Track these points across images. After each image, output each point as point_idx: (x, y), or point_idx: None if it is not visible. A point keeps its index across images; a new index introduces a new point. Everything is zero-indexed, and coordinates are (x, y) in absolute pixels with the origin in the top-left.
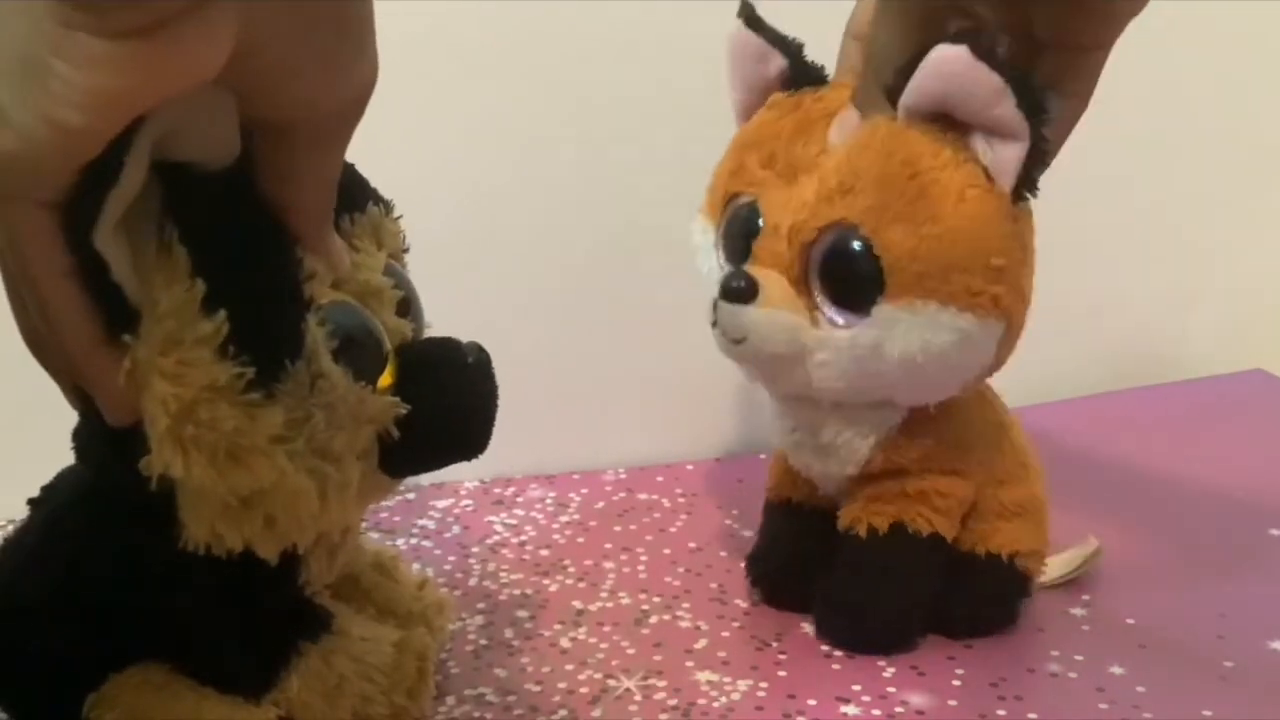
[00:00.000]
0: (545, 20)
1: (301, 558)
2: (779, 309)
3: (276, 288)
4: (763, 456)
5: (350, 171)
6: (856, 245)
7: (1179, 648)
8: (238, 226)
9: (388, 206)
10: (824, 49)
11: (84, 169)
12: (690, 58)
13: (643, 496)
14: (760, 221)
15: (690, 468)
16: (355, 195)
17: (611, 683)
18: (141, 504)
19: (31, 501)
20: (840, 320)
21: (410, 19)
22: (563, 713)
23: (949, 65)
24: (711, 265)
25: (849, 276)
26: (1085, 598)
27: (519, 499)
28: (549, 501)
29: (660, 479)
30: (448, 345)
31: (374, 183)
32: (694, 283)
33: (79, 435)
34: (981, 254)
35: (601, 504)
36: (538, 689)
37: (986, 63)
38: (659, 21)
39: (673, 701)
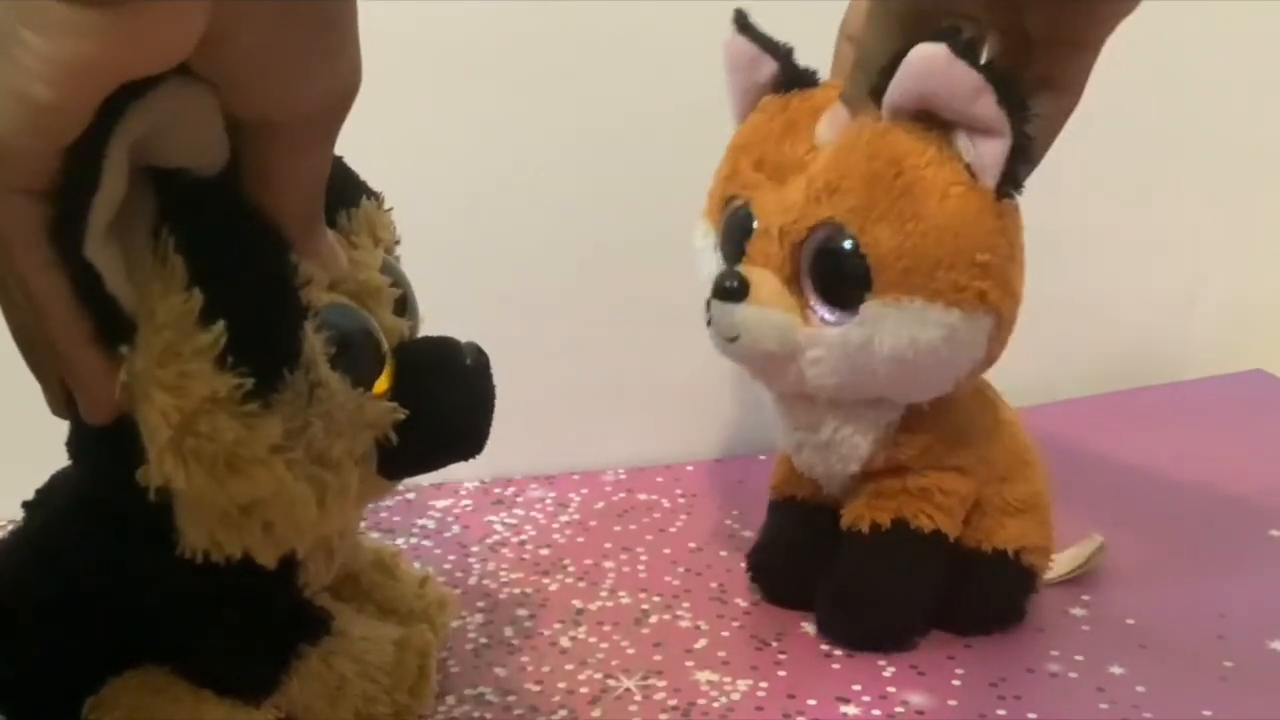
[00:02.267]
0: (551, 20)
1: (300, 561)
2: (770, 307)
3: (274, 296)
4: (762, 457)
5: (340, 166)
6: (844, 244)
7: (1179, 648)
8: (234, 233)
9: (379, 199)
10: (823, 50)
11: (64, 162)
12: (693, 59)
13: (643, 497)
14: (754, 223)
15: (690, 468)
16: (348, 190)
17: (611, 682)
18: (137, 510)
19: (27, 504)
20: (831, 318)
21: (413, 18)
22: (563, 712)
23: (928, 64)
24: (712, 268)
25: (838, 274)
26: (1085, 598)
27: (519, 499)
28: (549, 501)
29: (660, 479)
30: (446, 347)
31: (375, 182)
32: (694, 284)
33: (73, 442)
34: (966, 250)
35: (601, 504)
36: (538, 689)
37: (965, 60)
38: (664, 22)
39: (672, 701)
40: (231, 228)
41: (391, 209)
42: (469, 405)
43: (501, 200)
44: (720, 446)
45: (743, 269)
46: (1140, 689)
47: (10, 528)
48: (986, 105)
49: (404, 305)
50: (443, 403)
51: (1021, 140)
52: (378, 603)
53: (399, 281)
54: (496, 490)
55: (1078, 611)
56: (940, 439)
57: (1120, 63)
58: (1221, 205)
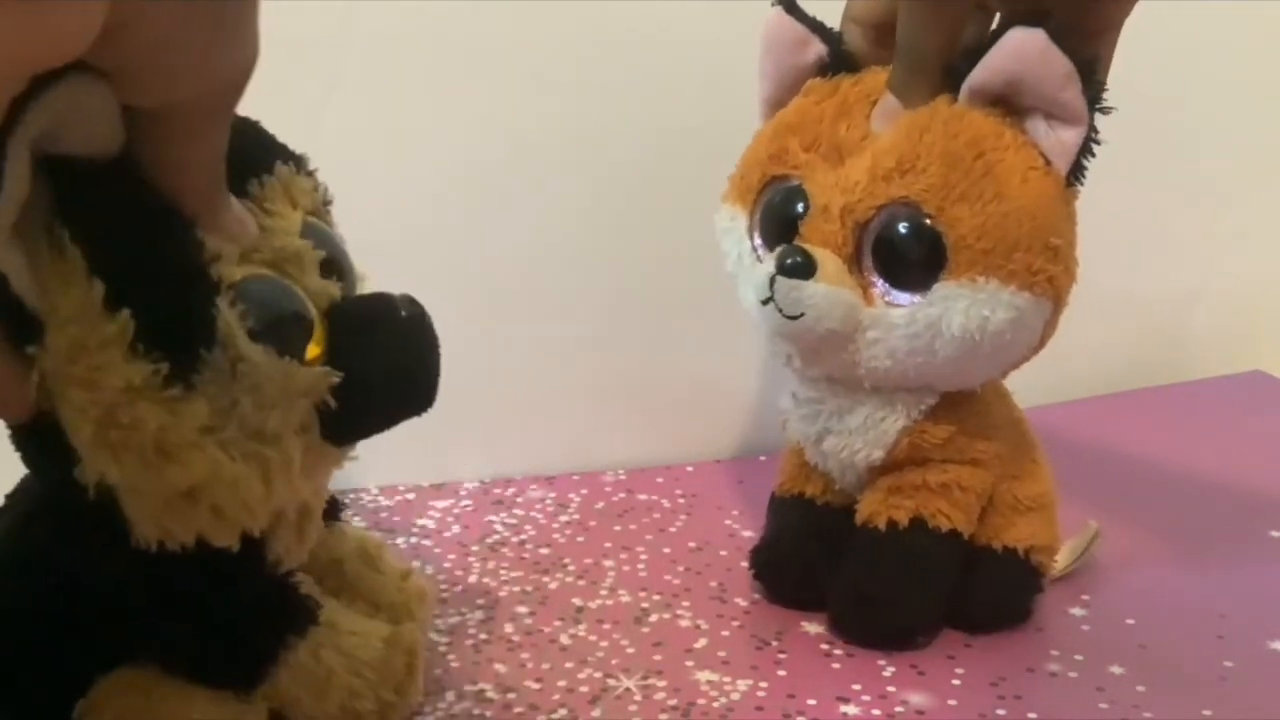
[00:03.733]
0: (547, 18)
1: (264, 538)
2: (837, 285)
3: (180, 277)
4: (762, 458)
5: (252, 132)
6: (918, 223)
7: (1179, 648)
8: (132, 217)
9: (299, 162)
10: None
11: None
12: (697, 57)
13: (642, 497)
14: (805, 203)
15: (690, 469)
16: (259, 156)
17: (611, 681)
18: (91, 508)
19: None
20: (897, 298)
21: (412, 17)
22: (562, 711)
23: (1027, 47)
24: (742, 250)
25: (910, 254)
26: (1085, 597)
27: (519, 499)
28: (549, 502)
29: (660, 480)
30: (379, 302)
31: (374, 180)
32: (694, 285)
33: (15, 445)
34: (1042, 233)
35: (601, 504)
36: (537, 686)
37: (1059, 47)
38: (670, 19)
39: (672, 700)
40: (129, 211)
41: (315, 170)
42: (407, 358)
43: (500, 199)
44: (720, 447)
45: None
46: (1140, 689)
47: None
48: (1073, 93)
49: (333, 267)
50: (379, 360)
51: (1092, 132)
52: (361, 595)
53: (324, 244)
54: (496, 490)
55: (1078, 611)
56: (963, 431)
57: (1120, 61)
58: (1222, 205)
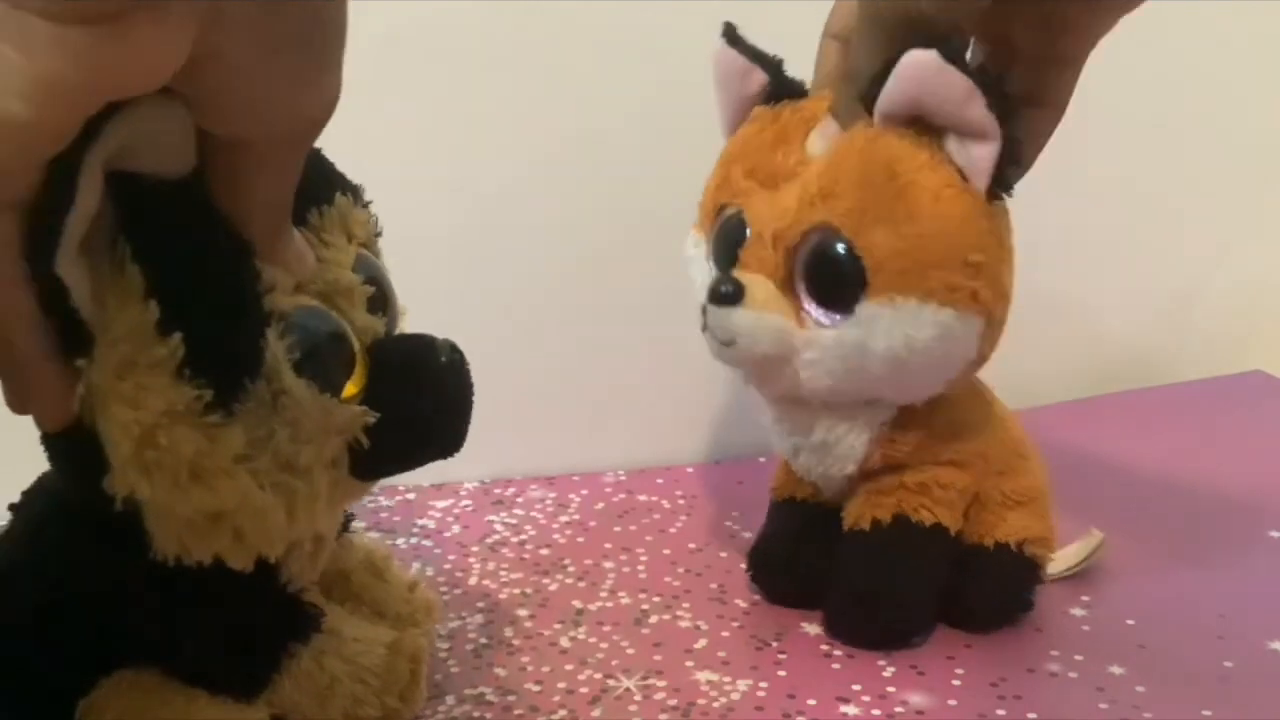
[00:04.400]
0: (548, 22)
1: (278, 561)
2: (765, 311)
3: (234, 306)
4: (762, 459)
5: (316, 162)
6: (839, 247)
7: (1179, 648)
8: (193, 240)
9: (356, 194)
10: (811, 52)
11: (42, 180)
12: (691, 63)
13: (642, 498)
14: (747, 230)
15: (690, 470)
16: (321, 187)
17: (611, 682)
18: (112, 515)
19: (12, 507)
20: (825, 320)
21: (408, 17)
22: (562, 712)
23: (920, 69)
24: (704, 276)
25: (833, 277)
26: (1085, 598)
27: (519, 499)
28: (549, 502)
29: (660, 481)
30: (420, 345)
31: (373, 184)
32: (693, 287)
33: (45, 446)
34: (959, 250)
35: (601, 505)
36: (537, 688)
37: (956, 65)
38: (662, 26)
39: (672, 701)
40: (192, 235)
41: (370, 203)
42: (442, 405)
43: (500, 202)
44: (720, 448)
45: (737, 274)
46: (1140, 689)
47: None
48: (976, 109)
49: (380, 302)
50: (415, 403)
51: (1011, 143)
52: (367, 604)
53: (374, 278)
54: (497, 491)
55: (1077, 611)
56: (934, 435)
57: (1119, 62)
58: (1221, 205)
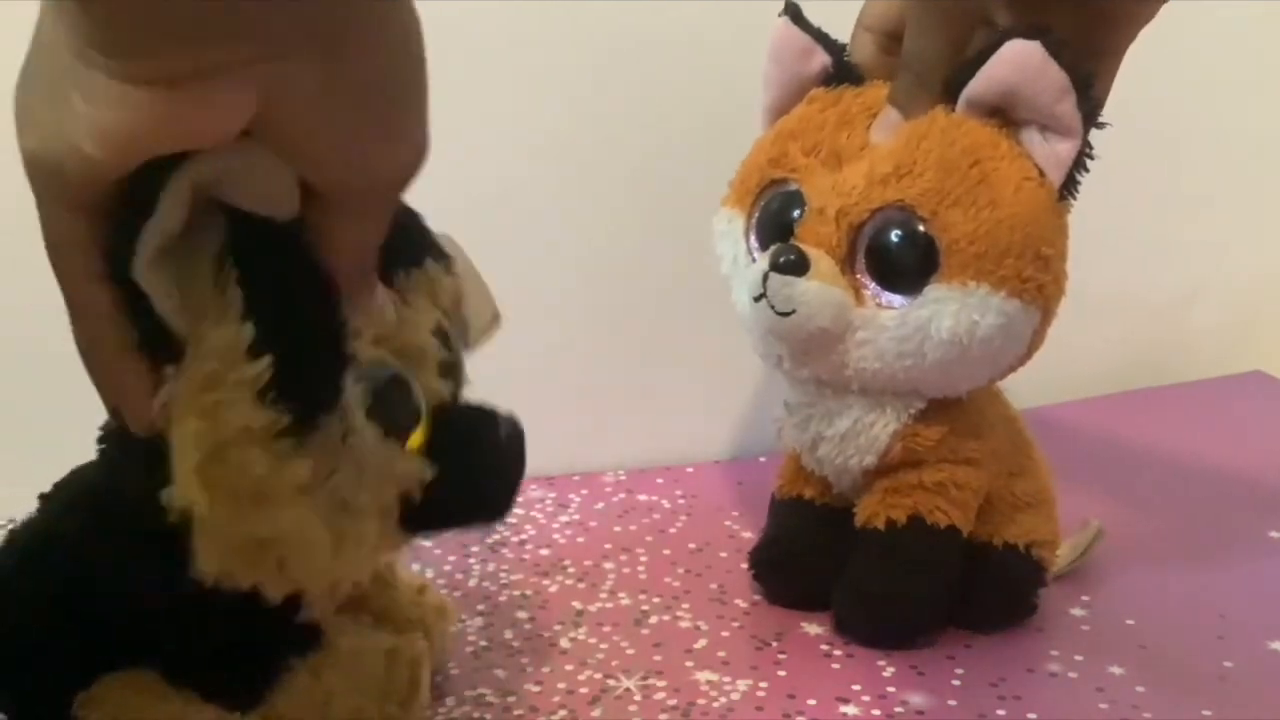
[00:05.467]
0: (553, 21)
1: (305, 600)
2: (829, 284)
3: (321, 340)
4: (762, 459)
5: (413, 223)
6: (912, 226)
7: (1179, 648)
8: (293, 277)
9: (448, 263)
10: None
11: (119, 192)
12: (696, 62)
13: (642, 498)
14: (802, 206)
15: (690, 470)
16: (412, 249)
17: (611, 683)
18: (151, 519)
19: (42, 496)
20: (888, 300)
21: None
22: (562, 713)
23: (1024, 59)
24: (738, 251)
25: (902, 257)
26: (1085, 598)
27: (519, 499)
28: (549, 502)
29: (660, 481)
30: (484, 416)
31: None
32: (695, 286)
33: (107, 440)
34: (1034, 242)
35: (601, 505)
36: (537, 689)
37: (1057, 60)
38: (669, 24)
39: (672, 701)
40: (291, 272)
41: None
42: (498, 477)
43: (500, 201)
44: (720, 448)
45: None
46: (1140, 689)
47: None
48: (1068, 106)
49: (450, 370)
50: (473, 471)
51: (1086, 146)
52: (373, 611)
53: (450, 345)
54: None
55: (1078, 611)
56: (955, 431)
57: (1120, 62)
58: (1221, 205)
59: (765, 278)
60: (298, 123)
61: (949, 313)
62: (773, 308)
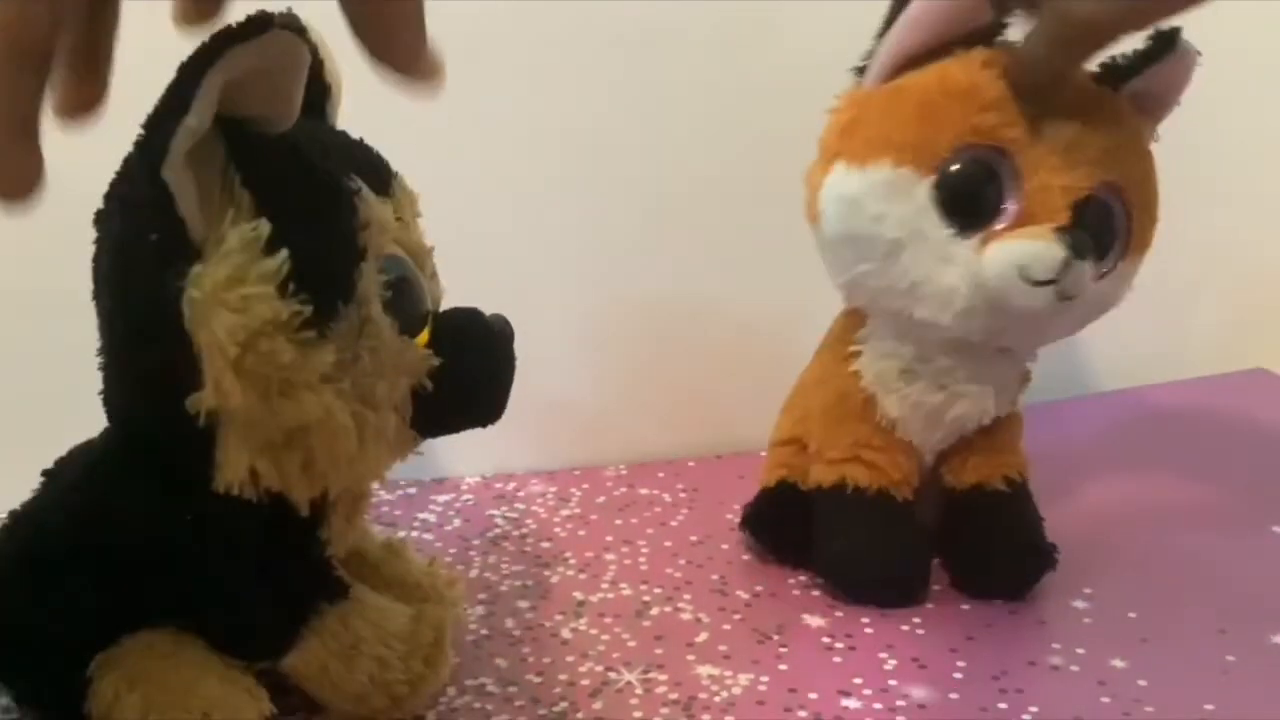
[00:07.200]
0: (563, 17)
1: (326, 515)
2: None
3: (332, 234)
4: (763, 454)
5: (371, 154)
6: (1119, 204)
7: (1181, 642)
8: (294, 178)
9: (401, 180)
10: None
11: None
12: (701, 58)
13: (644, 491)
14: (1012, 179)
15: (691, 464)
16: (384, 177)
17: (612, 675)
18: (171, 452)
19: (46, 473)
20: (1099, 273)
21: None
22: (563, 704)
23: (1191, 62)
24: (925, 223)
25: (1116, 233)
26: (1087, 590)
27: (520, 493)
28: (550, 496)
29: (661, 474)
30: (474, 314)
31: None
32: (695, 283)
33: (106, 388)
34: (1157, 207)
35: (603, 498)
36: (539, 680)
37: None
38: (679, 19)
39: (673, 694)
40: (292, 173)
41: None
42: (497, 370)
43: (501, 195)
44: (722, 442)
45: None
46: (1142, 683)
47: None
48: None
49: (434, 277)
50: (474, 361)
51: None
52: (388, 580)
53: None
54: (498, 485)
55: (1079, 604)
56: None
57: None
58: (1222, 202)
59: (1067, 264)
60: None
61: (1125, 287)
62: (1065, 293)
